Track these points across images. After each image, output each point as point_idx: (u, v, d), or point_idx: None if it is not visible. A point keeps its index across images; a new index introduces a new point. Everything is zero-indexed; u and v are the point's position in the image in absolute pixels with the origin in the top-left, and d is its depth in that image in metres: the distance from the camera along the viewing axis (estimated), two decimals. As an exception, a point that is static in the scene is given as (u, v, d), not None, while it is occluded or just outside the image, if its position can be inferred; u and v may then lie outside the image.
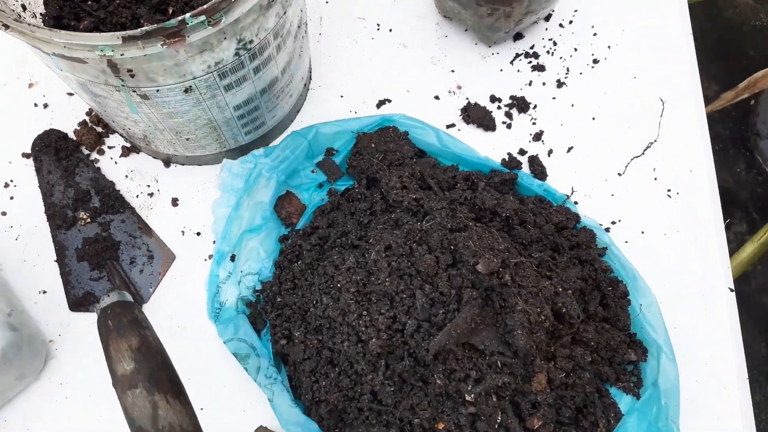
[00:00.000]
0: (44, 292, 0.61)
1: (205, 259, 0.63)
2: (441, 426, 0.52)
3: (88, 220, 0.63)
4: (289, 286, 0.59)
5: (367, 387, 0.53)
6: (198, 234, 0.64)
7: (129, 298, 0.52)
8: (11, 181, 0.65)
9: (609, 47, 0.73)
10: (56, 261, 0.62)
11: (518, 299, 0.49)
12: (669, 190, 0.66)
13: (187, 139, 0.58)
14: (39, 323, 0.60)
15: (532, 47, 0.73)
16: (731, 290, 0.62)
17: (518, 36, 0.73)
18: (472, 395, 0.50)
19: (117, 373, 0.47)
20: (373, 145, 0.63)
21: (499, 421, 0.52)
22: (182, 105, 0.53)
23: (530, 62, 0.72)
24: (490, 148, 0.68)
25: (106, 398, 0.58)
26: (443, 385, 0.51)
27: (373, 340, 0.52)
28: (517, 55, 0.73)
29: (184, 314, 0.61)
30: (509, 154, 0.67)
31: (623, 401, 0.57)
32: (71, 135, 0.66)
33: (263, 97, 0.58)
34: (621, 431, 0.55)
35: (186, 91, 0.51)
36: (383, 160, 0.62)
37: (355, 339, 0.53)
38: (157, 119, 0.55)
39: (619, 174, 0.67)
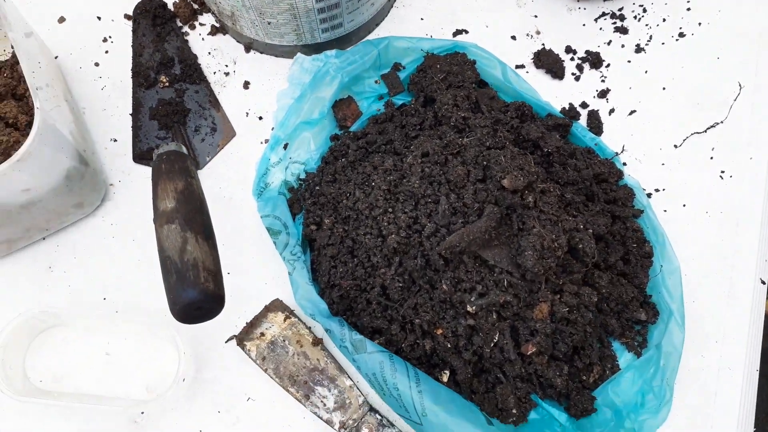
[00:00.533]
0: (115, 140, 0.67)
1: (261, 142, 0.68)
2: (439, 332, 0.55)
3: (167, 84, 0.68)
4: (329, 179, 0.63)
5: (379, 280, 0.56)
6: (260, 118, 0.69)
7: (184, 151, 0.57)
8: (110, 37, 0.71)
9: (699, 24, 0.72)
10: (131, 115, 0.68)
11: (536, 222, 0.51)
12: (723, 172, 0.65)
13: (269, 23, 0.62)
14: (104, 166, 0.66)
15: (620, 9, 0.72)
16: (763, 282, 0.61)
17: (608, -5, 0.73)
18: (474, 307, 0.53)
19: (159, 208, 0.52)
20: (438, 66, 0.65)
21: (495, 340, 0.54)
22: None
23: (614, 23, 0.72)
24: (553, 95, 0.68)
25: (147, 245, 0.63)
26: (448, 291, 0.53)
27: (393, 236, 0.54)
28: (603, 14, 0.72)
29: (232, 186, 0.66)
30: (570, 104, 0.68)
31: (623, 358, 0.58)
32: (170, 6, 0.72)
33: (343, -5, 0.61)
34: (614, 384, 0.56)
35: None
36: (444, 80, 0.64)
37: (376, 233, 0.56)
38: (245, -6, 0.59)
39: (675, 146, 0.66)
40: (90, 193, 0.62)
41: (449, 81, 0.64)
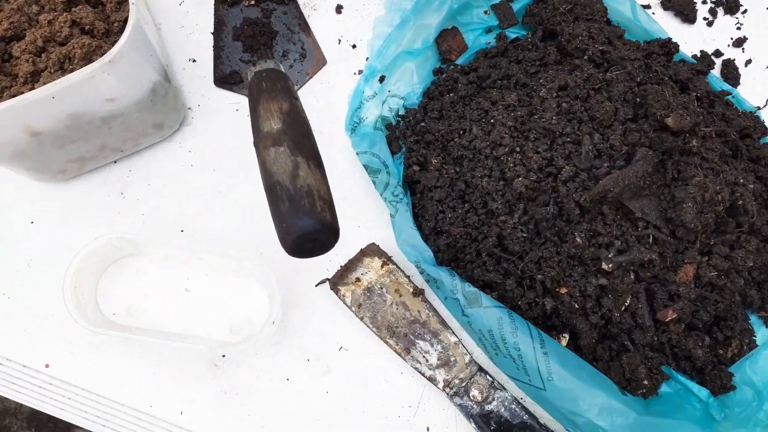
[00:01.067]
0: (193, 60, 0.61)
1: (355, 73, 0.61)
2: (564, 290, 0.49)
3: (253, 2, 0.61)
4: (435, 115, 0.56)
5: (496, 230, 0.50)
6: (353, 47, 0.62)
7: (283, 70, 0.51)
8: (189, -54, 0.64)
9: None
10: (212, 34, 0.61)
11: (698, 171, 0.44)
12: None
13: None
14: (182, 87, 0.60)
15: (758, -52, 0.65)
16: None
17: (747, -68, 0.65)
18: (610, 265, 0.46)
19: (263, 130, 0.45)
20: (561, -3, 0.58)
21: (627, 303, 0.48)
22: None
23: (752, -36, 0.64)
24: (682, 40, 0.61)
25: (229, 176, 0.57)
26: (582, 245, 0.47)
27: (520, 179, 0.48)
28: (739, -47, 0.65)
29: (321, 119, 0.59)
30: (702, 51, 0.61)
31: (760, 333, 0.52)
32: None
33: None
34: (752, 361, 0.50)
35: None
36: (570, 11, 0.57)
37: (498, 175, 0.50)
38: None
39: (821, 104, 0.59)
40: (171, 114, 0.55)
41: (576, 13, 0.57)
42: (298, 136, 0.45)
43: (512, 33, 0.61)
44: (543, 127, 0.48)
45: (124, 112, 0.49)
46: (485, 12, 0.61)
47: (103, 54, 0.50)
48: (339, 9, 0.63)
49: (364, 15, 0.63)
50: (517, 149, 0.49)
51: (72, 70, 0.49)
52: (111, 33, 0.54)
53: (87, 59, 0.49)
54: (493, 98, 0.53)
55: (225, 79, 0.60)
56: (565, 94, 0.49)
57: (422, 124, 0.56)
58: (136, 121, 0.52)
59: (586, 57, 0.52)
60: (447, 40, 0.60)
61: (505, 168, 0.49)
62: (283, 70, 0.50)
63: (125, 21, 0.54)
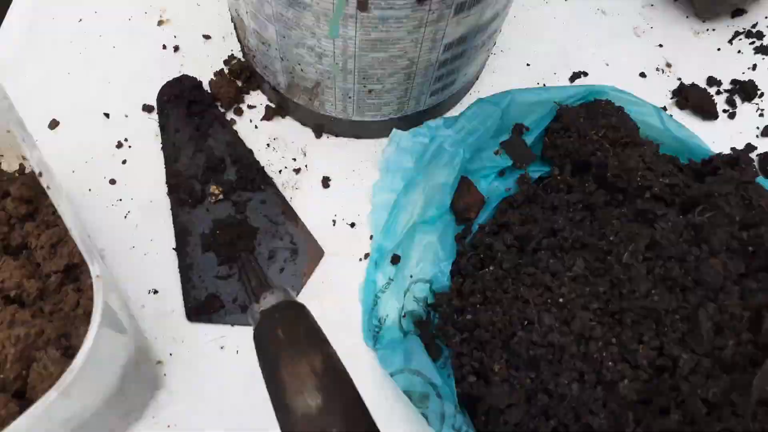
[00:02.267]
0: (155, 291, 0.47)
1: (360, 259, 0.50)
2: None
3: (221, 196, 0.49)
4: (477, 299, 0.45)
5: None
6: (352, 225, 0.50)
7: (295, 297, 0.38)
8: (125, 140, 0.52)
9: None
10: (175, 249, 0.48)
11: None
12: None
13: (370, 92, 0.45)
14: (146, 335, 0.46)
15: (754, 26, 0.60)
16: None
17: (738, 12, 0.60)
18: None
19: (296, 411, 0.32)
20: (581, 120, 0.49)
21: None
22: (398, 29, 0.39)
23: (753, 43, 0.59)
24: (709, 140, 0.54)
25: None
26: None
27: (626, 381, 0.38)
28: (737, 34, 0.60)
29: (333, 331, 0.46)
30: (733, 149, 0.54)
31: None
32: (205, 86, 0.53)
33: (472, 40, 0.44)
34: None
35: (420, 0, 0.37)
36: (603, 137, 0.48)
37: (593, 379, 0.39)
38: (354, 50, 0.41)
39: None
40: (139, 390, 0.41)
41: (611, 138, 0.48)
42: (348, 408, 0.33)
43: (535, 171, 0.51)
44: (642, 306, 0.38)
45: (83, 424, 0.35)
46: (496, 152, 0.52)
47: (48, 339, 0.37)
48: (326, 182, 0.51)
49: (355, 183, 0.52)
50: (613, 340, 0.39)
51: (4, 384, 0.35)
52: (47, 293, 0.40)
53: (24, 359, 0.35)
54: (551, 268, 0.43)
55: (200, 309, 0.46)
56: (654, 254, 0.39)
57: (468, 317, 0.45)
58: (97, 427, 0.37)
59: (649, 195, 0.43)
60: (462, 195, 0.50)
61: (603, 368, 0.38)
62: (294, 297, 0.38)
63: (65, 269, 0.41)
